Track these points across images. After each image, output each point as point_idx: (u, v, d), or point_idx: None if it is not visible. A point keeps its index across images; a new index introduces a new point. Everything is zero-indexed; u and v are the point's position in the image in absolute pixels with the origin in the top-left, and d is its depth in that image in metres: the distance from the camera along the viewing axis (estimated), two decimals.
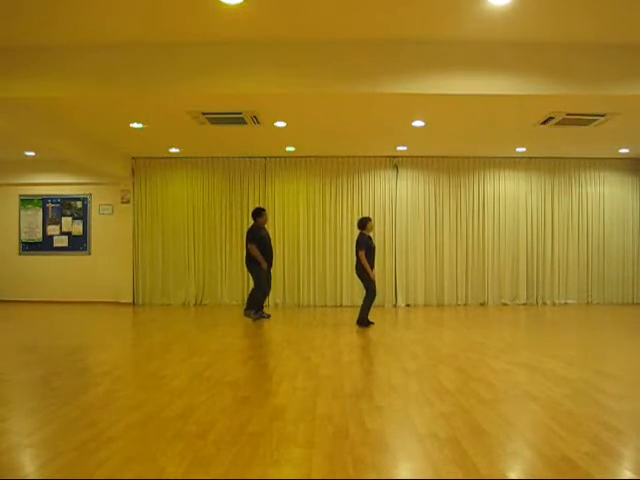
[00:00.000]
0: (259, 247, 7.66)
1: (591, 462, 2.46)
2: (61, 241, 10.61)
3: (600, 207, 10.23)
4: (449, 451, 2.61)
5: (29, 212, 10.71)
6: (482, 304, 10.01)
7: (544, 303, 10.08)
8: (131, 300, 10.13)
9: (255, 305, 7.80)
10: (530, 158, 10.11)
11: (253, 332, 6.89)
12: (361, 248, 6.99)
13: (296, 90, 5.77)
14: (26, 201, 10.71)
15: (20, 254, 10.67)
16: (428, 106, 6.61)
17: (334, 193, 10.12)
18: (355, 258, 7.14)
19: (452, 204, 10.11)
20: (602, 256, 10.18)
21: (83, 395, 3.70)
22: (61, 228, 10.64)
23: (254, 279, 7.84)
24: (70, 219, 10.63)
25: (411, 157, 10.05)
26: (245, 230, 8.35)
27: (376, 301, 7.35)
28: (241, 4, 4.65)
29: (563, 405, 3.42)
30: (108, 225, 10.47)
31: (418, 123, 7.42)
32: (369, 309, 7.13)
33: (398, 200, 10.10)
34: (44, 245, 10.63)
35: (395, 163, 10.12)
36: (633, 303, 10.14)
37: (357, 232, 7.28)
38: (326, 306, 9.88)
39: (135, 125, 7.58)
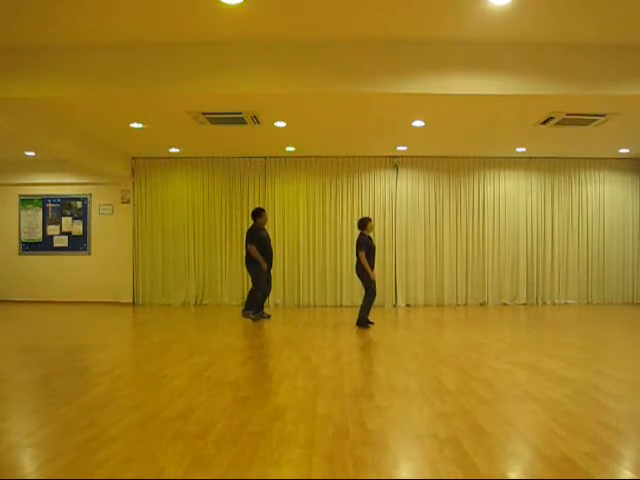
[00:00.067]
0: (259, 248, 7.65)
1: (591, 462, 2.46)
2: (61, 241, 10.62)
3: (600, 207, 10.23)
4: (449, 451, 2.61)
5: (29, 212, 10.71)
6: (482, 304, 10.01)
7: (544, 303, 10.08)
8: (131, 300, 10.13)
9: (254, 306, 7.80)
10: (530, 158, 10.11)
11: (253, 332, 6.89)
12: (361, 248, 6.98)
13: (296, 90, 5.77)
14: (26, 201, 10.72)
15: (20, 254, 10.67)
16: (428, 106, 6.61)
17: (334, 193, 10.12)
18: (355, 258, 7.14)
19: (452, 204, 10.11)
20: (602, 256, 10.18)
21: (83, 395, 3.70)
22: (61, 228, 10.64)
23: (253, 280, 7.83)
24: (70, 219, 10.63)
25: (411, 157, 10.05)
26: (245, 230, 8.36)
27: (376, 301, 7.35)
28: (241, 4, 4.65)
29: (563, 405, 3.42)
30: (108, 225, 10.47)
31: (418, 123, 7.42)
32: (369, 309, 7.12)
33: (398, 200, 10.10)
34: (44, 245, 10.63)
35: (395, 163, 10.12)
36: (633, 303, 10.14)
37: (357, 232, 7.28)
38: (326, 306, 9.88)
39: (135, 125, 7.59)
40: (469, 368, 4.55)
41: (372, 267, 7.05)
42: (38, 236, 10.66)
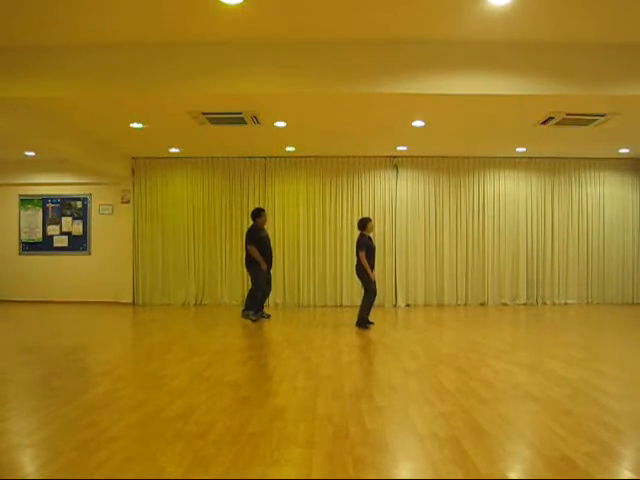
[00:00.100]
0: (258, 248, 7.65)
1: (591, 462, 2.46)
2: (61, 241, 10.61)
3: (600, 207, 10.23)
4: (449, 451, 2.61)
5: (29, 212, 10.71)
6: (482, 304, 10.01)
7: (544, 303, 10.08)
8: (131, 300, 10.13)
9: (254, 306, 7.79)
10: (530, 158, 10.11)
11: (253, 332, 6.89)
12: (361, 249, 6.98)
13: (296, 90, 5.77)
14: (26, 201, 10.72)
15: (20, 254, 10.67)
16: (428, 106, 6.61)
17: (334, 193, 10.12)
18: (355, 259, 7.13)
19: (452, 204, 10.11)
20: (602, 256, 10.18)
21: (83, 395, 3.70)
22: (61, 228, 10.64)
23: (253, 280, 7.83)
24: (70, 219, 10.63)
25: (411, 157, 10.05)
26: (245, 230, 8.35)
27: (376, 301, 7.34)
28: (241, 4, 4.65)
29: (563, 405, 3.42)
30: (108, 225, 10.47)
31: (418, 123, 7.42)
32: (369, 310, 7.12)
33: (398, 200, 10.10)
34: (44, 245, 10.63)
35: (395, 163, 10.12)
36: (633, 303, 10.14)
37: (357, 232, 7.28)
38: (326, 306, 9.88)
39: (135, 125, 7.58)
40: (469, 368, 4.55)
41: (372, 267, 7.04)
42: (38, 236, 10.66)
